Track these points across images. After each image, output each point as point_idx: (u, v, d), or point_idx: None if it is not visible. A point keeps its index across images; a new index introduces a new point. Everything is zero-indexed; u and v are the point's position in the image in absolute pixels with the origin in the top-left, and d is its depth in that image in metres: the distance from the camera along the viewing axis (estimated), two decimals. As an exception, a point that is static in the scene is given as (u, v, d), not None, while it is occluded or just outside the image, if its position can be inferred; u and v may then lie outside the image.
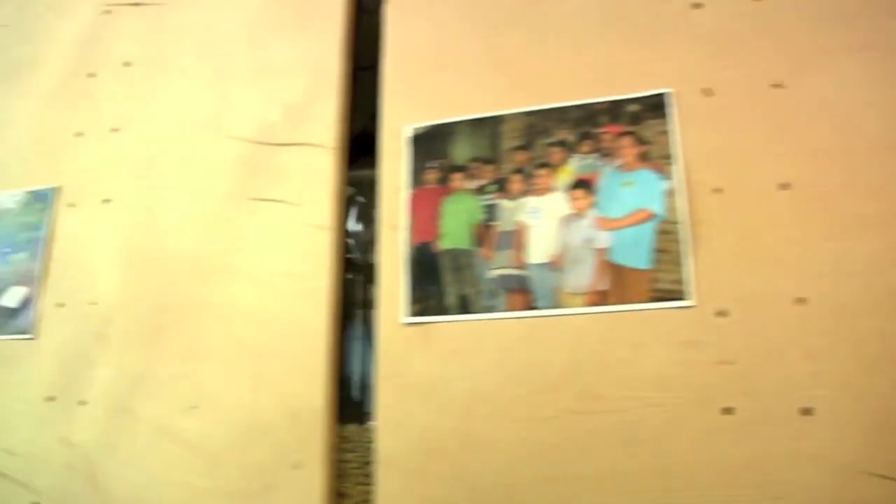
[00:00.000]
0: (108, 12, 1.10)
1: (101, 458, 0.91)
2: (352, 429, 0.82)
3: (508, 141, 0.86)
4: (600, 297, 0.77)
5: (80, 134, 1.06)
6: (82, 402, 0.93)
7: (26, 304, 1.00)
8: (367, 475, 0.81)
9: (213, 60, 1.00)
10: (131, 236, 0.97)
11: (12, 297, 1.00)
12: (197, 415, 0.86)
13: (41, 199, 1.04)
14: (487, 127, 0.87)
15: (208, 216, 0.92)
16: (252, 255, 0.88)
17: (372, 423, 0.81)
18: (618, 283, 0.76)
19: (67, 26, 1.12)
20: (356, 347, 0.91)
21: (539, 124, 0.85)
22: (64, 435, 0.93)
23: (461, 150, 0.86)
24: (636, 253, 0.76)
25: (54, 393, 0.95)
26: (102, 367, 0.94)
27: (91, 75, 1.08)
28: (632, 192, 0.80)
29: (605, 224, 0.79)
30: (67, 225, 1.02)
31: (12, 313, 1.00)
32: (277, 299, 0.85)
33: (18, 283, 1.01)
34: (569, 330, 0.75)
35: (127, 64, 1.06)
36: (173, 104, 1.00)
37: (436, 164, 0.87)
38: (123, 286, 0.95)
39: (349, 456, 0.81)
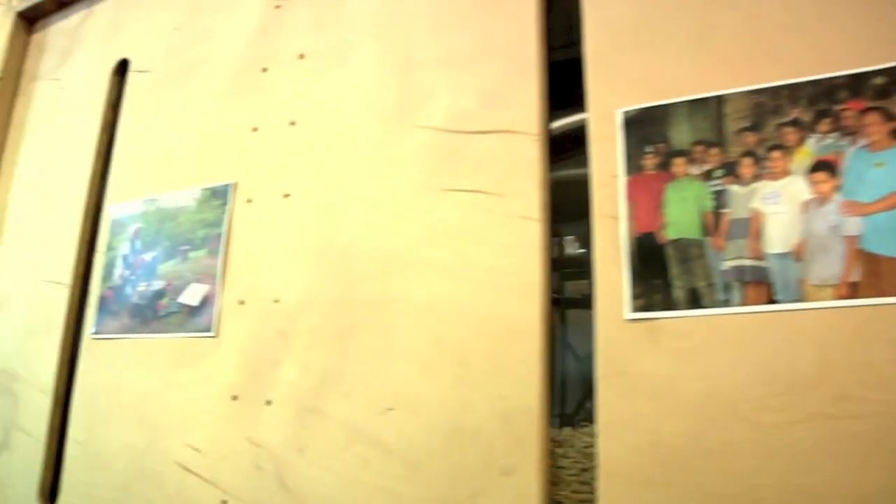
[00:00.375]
0: (279, 7, 1.26)
1: (289, 459, 1.04)
2: (567, 432, 0.91)
3: (734, 122, 0.93)
4: (851, 290, 0.83)
5: (255, 129, 1.22)
6: (268, 402, 1.07)
7: (207, 301, 1.16)
8: (585, 482, 0.89)
9: (394, 47, 1.13)
10: (313, 231, 1.11)
11: (193, 295, 1.17)
12: (394, 417, 0.98)
13: (219, 196, 1.20)
14: (709, 108, 0.94)
15: (397, 209, 1.04)
16: (450, 248, 0.99)
17: (590, 426, 0.89)
18: (872, 274, 0.82)
19: (238, 23, 1.30)
20: (559, 345, 1.00)
21: (768, 103, 0.92)
22: (250, 434, 1.07)
23: (681, 134, 0.94)
24: (893, 240, 0.80)
25: (238, 392, 1.09)
26: (287, 366, 1.07)
27: (264, 70, 1.24)
28: (885, 173, 0.85)
29: (855, 209, 0.85)
30: (246, 221, 1.18)
31: (193, 311, 1.16)
32: (482, 295, 0.96)
33: (198, 280, 1.17)
34: (817, 325, 0.81)
35: (301, 56, 1.21)
36: (352, 95, 1.14)
37: (654, 148, 0.95)
38: (307, 282, 1.09)
39: (564, 461, 0.90)
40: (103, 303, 1.35)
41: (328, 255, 1.12)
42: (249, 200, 1.22)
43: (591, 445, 0.91)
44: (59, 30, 1.77)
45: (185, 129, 1.37)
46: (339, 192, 1.15)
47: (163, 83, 1.45)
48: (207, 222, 1.24)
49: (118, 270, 1.36)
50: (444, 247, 1.04)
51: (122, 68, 1.57)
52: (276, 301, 1.13)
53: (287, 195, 1.18)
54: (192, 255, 1.25)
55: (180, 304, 1.23)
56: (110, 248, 1.39)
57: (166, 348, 1.24)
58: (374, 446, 1.01)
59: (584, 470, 0.91)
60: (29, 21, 1.82)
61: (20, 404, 1.45)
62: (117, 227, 1.39)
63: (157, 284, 1.27)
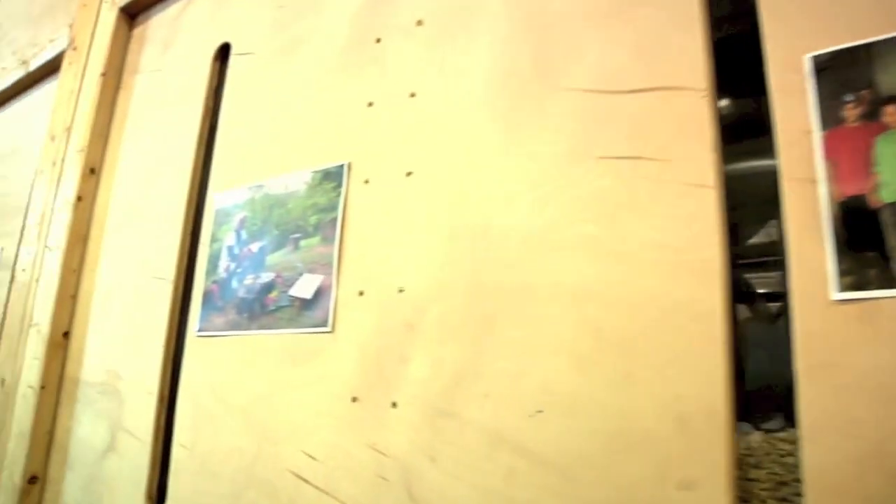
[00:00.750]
0: (392, -29, 1.18)
1: (418, 469, 0.95)
2: (758, 438, 0.77)
3: (963, 59, 0.78)
4: None
5: (371, 104, 1.15)
6: (393, 404, 0.98)
7: (321, 293, 1.08)
8: (785, 500, 0.75)
9: (526, 3, 1.03)
10: (441, 211, 1.02)
11: (305, 287, 1.10)
12: (543, 420, 0.88)
13: (332, 178, 1.13)
14: (928, 43, 0.80)
15: (542, 182, 0.95)
16: (606, 223, 0.89)
17: (788, 431, 0.75)
18: None
19: (346, -7, 1.23)
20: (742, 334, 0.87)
21: None
22: (372, 440, 0.99)
23: (891, 77, 0.80)
24: None
25: (359, 393, 1.02)
26: (415, 363, 0.99)
27: (378, 41, 1.17)
28: None
29: None
30: (363, 203, 1.10)
31: (306, 305, 1.09)
32: (648, 276, 0.85)
33: (311, 271, 1.10)
34: None
35: (419, 23, 1.13)
36: (480, 59, 1.06)
37: (855, 97, 0.82)
38: (436, 268, 1.00)
39: (757, 473, 0.76)
40: (207, 298, 1.31)
41: (459, 237, 1.03)
42: (367, 181, 1.15)
43: (790, 454, 0.78)
44: (160, 21, 1.77)
45: (292, 109, 1.31)
46: (469, 167, 1.06)
47: (267, 64, 1.41)
48: (320, 207, 1.18)
49: (223, 263, 1.31)
50: (598, 222, 0.93)
51: (223, 53, 1.54)
52: (401, 290, 1.05)
53: (409, 173, 1.10)
54: (303, 243, 1.18)
55: (291, 297, 1.16)
56: (214, 239, 1.35)
57: (277, 346, 1.18)
58: (520, 454, 0.91)
59: (783, 484, 0.78)
60: (131, 16, 1.84)
61: (125, 405, 1.43)
62: (222, 216, 1.35)
63: (266, 277, 1.21)
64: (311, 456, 1.11)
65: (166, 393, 1.41)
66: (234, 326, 1.27)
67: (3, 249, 2.03)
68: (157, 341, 1.43)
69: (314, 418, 1.12)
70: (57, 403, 1.64)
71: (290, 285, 1.20)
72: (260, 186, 1.33)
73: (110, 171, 1.76)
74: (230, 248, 1.34)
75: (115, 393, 1.49)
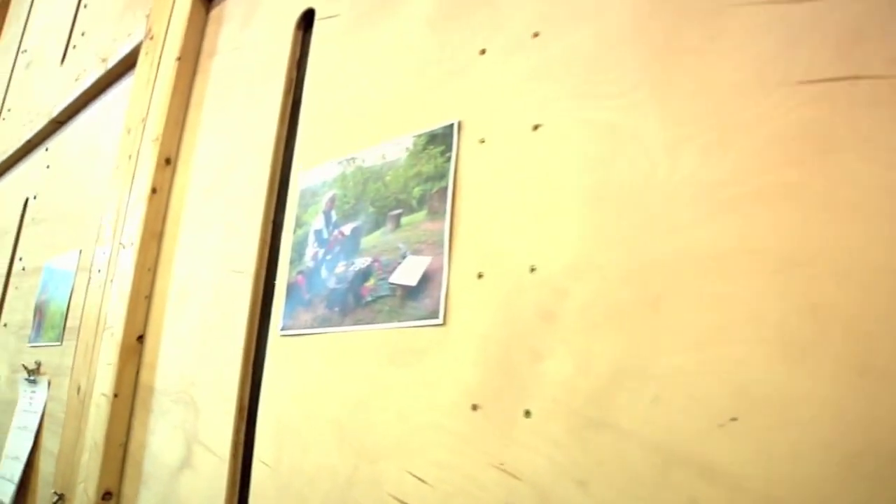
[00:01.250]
0: None
1: (563, 496, 0.75)
2: None
3: None
4: None
5: (483, 51, 0.94)
6: (526, 413, 0.77)
7: (429, 278, 0.88)
8: None
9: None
10: (580, 170, 0.81)
11: (409, 272, 0.89)
12: (738, 431, 0.66)
13: (438, 141, 0.94)
14: None
15: (719, 121, 0.75)
16: (816, 167, 0.68)
17: None
18: None
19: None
20: None
21: None
22: (498, 458, 0.80)
23: None
24: None
25: (480, 399, 0.81)
26: (555, 361, 0.78)
27: (489, -23, 0.96)
28: None
29: None
30: (480, 167, 0.90)
31: (410, 293, 0.89)
32: (880, 233, 0.59)
33: (416, 252, 0.90)
34: None
35: (540, -50, 0.92)
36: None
37: None
38: (577, 240, 0.80)
39: None
40: (293, 291, 1.12)
41: (605, 200, 0.81)
42: (482, 141, 0.94)
43: None
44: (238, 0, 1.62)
45: (387, 69, 1.13)
46: (613, 113, 0.83)
47: (356, 23, 1.23)
48: (425, 176, 0.98)
49: (310, 250, 1.12)
50: (803, 165, 0.69)
51: (306, 20, 1.37)
52: (533, 269, 0.84)
53: (537, 126, 0.89)
54: (405, 220, 0.98)
55: (392, 284, 0.96)
56: (300, 224, 1.17)
57: (375, 344, 0.98)
58: (707, 478, 0.68)
59: None
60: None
61: (201, 416, 1.26)
62: (308, 197, 1.17)
63: (361, 262, 1.02)
64: (419, 478, 0.90)
65: (246, 402, 1.23)
66: (324, 323, 1.08)
67: (81, 252, 1.92)
68: (236, 344, 1.26)
69: (423, 431, 0.91)
70: (131, 414, 1.50)
71: (391, 271, 1.00)
72: (351, 159, 1.14)
73: (186, 160, 1.62)
74: (318, 233, 1.16)
75: (190, 402, 1.33)
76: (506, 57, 0.98)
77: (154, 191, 1.59)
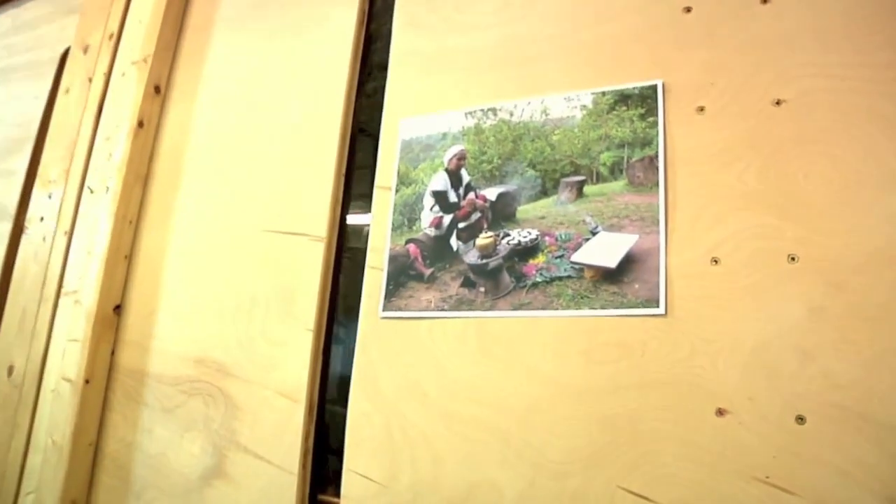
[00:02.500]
0: None
1: None
2: None
3: None
4: None
5: (688, 9, 0.81)
6: (798, 418, 0.69)
7: (636, 260, 0.74)
8: None
9: None
10: (837, 145, 0.70)
11: (605, 252, 0.76)
12: None
13: (634, 102, 0.85)
14: None
15: None
16: None
17: None
18: None
19: None
20: None
21: None
22: (759, 470, 0.66)
23: None
24: None
25: (729, 404, 0.69)
26: (829, 361, 0.66)
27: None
28: None
29: None
30: (699, 139, 0.80)
31: (608, 276, 0.75)
32: None
33: (613, 227, 0.75)
34: None
35: None
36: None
37: None
38: (848, 229, 0.70)
39: None
40: (400, 264, 0.92)
41: (881, 182, 0.71)
42: (701, 109, 0.81)
43: None
44: None
45: (547, 11, 0.94)
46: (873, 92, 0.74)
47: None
48: (618, 141, 0.83)
49: (427, 215, 0.92)
50: None
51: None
52: (793, 259, 0.71)
53: (779, 101, 0.77)
54: (591, 189, 0.83)
55: (577, 264, 0.80)
56: (405, 181, 0.96)
57: (554, 334, 0.82)
58: None
59: None
60: None
61: (241, 413, 1.01)
62: (416, 150, 0.98)
63: (521, 235, 0.84)
64: (641, 496, 0.75)
65: (316, 399, 0.99)
66: (461, 305, 0.89)
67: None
68: (298, 324, 1.01)
69: (641, 439, 0.76)
70: (106, 404, 1.17)
71: (572, 248, 0.84)
72: (490, 110, 0.95)
73: (186, 90, 1.30)
74: (439, 195, 0.95)
75: (218, 396, 1.06)
76: (721, 21, 0.85)
77: (140, 124, 1.26)
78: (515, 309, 0.86)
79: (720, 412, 0.74)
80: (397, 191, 0.99)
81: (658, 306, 0.78)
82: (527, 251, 0.87)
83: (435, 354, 0.90)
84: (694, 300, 0.78)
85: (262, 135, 1.18)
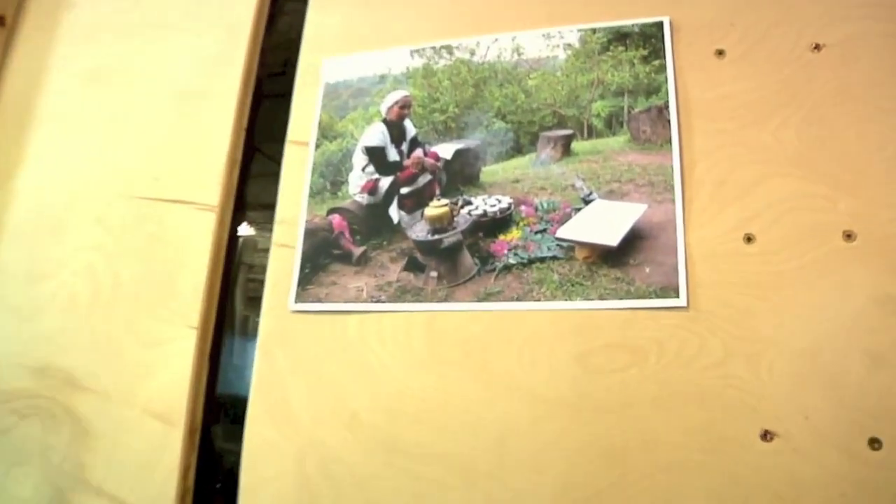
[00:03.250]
0: None
1: None
2: None
3: None
4: None
5: None
6: (872, 442, 0.49)
7: (645, 237, 0.55)
8: None
9: None
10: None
11: (602, 225, 0.58)
12: None
13: (634, 42, 0.69)
14: None
15: None
16: None
17: None
18: None
19: None
20: None
21: None
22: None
23: None
24: None
25: (778, 424, 0.50)
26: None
27: None
28: None
29: None
30: (719, 88, 0.63)
31: (607, 258, 0.56)
32: None
33: (611, 195, 0.57)
34: None
35: None
36: None
37: None
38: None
39: None
40: (320, 241, 0.68)
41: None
42: (720, 53, 0.64)
43: None
44: None
45: None
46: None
47: None
48: (615, 88, 0.66)
49: (357, 178, 0.70)
50: None
51: None
52: (849, 237, 0.55)
53: (818, 46, 0.61)
54: (581, 146, 0.63)
55: (564, 242, 0.61)
56: (328, 135, 0.73)
57: (533, 332, 0.60)
58: None
59: None
60: None
61: (93, 440, 0.73)
62: (343, 97, 0.75)
63: (488, 205, 0.63)
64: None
65: (199, 421, 0.72)
66: (407, 295, 0.66)
67: None
68: (179, 318, 0.75)
69: (665, 475, 0.56)
70: None
71: (556, 220, 0.63)
72: (445, 48, 0.74)
73: (41, 23, 1.00)
74: (377, 151, 0.72)
75: (62, 415, 0.76)
76: None
77: None
78: (481, 300, 0.63)
79: (767, 435, 0.55)
80: (318, 146, 0.75)
81: (677, 296, 0.59)
82: (495, 224, 0.66)
83: (368, 360, 0.66)
84: (724, 288, 0.59)
85: (139, 76, 0.90)
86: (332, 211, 0.72)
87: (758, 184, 0.61)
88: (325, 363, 0.68)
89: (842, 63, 0.63)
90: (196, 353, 0.73)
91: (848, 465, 0.53)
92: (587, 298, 0.61)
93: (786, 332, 0.57)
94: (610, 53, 0.68)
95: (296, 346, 0.69)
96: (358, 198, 0.72)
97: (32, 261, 0.86)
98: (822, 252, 0.58)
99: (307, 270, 0.70)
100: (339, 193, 0.72)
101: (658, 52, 0.67)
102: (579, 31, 0.70)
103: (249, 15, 0.86)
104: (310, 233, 0.72)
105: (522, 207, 0.66)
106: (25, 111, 0.94)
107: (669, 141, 0.63)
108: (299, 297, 0.70)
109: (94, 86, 0.92)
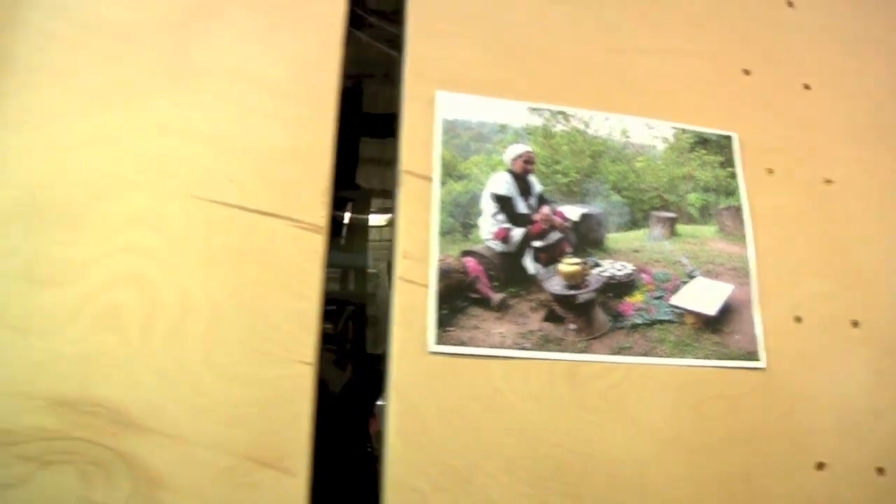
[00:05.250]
0: None
1: None
2: None
3: None
4: None
5: (747, 72, 0.89)
6: (878, 470, 0.79)
7: (732, 310, 0.78)
8: None
9: None
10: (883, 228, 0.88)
11: (704, 298, 0.78)
12: None
13: (712, 149, 0.88)
14: None
15: None
16: None
17: None
18: None
19: None
20: None
21: None
22: None
23: None
24: None
25: (826, 457, 0.77)
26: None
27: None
28: None
29: None
30: (771, 200, 0.88)
31: (708, 324, 0.77)
32: None
33: (710, 274, 0.78)
34: None
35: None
36: None
37: None
38: None
39: None
40: (453, 282, 0.71)
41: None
42: (770, 171, 0.85)
43: None
44: None
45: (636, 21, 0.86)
46: None
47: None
48: (702, 184, 0.82)
49: (488, 224, 0.74)
50: None
51: None
52: (856, 325, 0.81)
53: (829, 181, 0.87)
54: (684, 229, 0.79)
55: (677, 308, 0.75)
56: (454, 175, 0.75)
57: (658, 383, 0.73)
58: None
59: None
60: None
61: (167, 493, 0.63)
62: (464, 137, 0.77)
63: (615, 268, 0.75)
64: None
65: (309, 465, 0.67)
66: (549, 344, 0.72)
67: None
68: (282, 353, 0.67)
69: (757, 496, 0.73)
70: None
71: (670, 289, 0.76)
72: (561, 114, 0.80)
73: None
74: (505, 201, 0.75)
75: (115, 462, 0.61)
76: (776, 88, 0.90)
77: None
78: (615, 353, 0.72)
79: (820, 466, 0.75)
80: (443, 184, 0.74)
81: (759, 360, 0.76)
82: (621, 287, 0.75)
83: (513, 404, 0.69)
84: (787, 355, 0.78)
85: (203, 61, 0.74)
86: (466, 253, 0.72)
87: (801, 278, 0.82)
88: (472, 408, 0.68)
89: (847, 200, 0.87)
90: (313, 392, 0.66)
91: (866, 487, 0.75)
92: (696, 357, 0.74)
93: (828, 391, 0.78)
94: (696, 154, 0.82)
95: (437, 389, 0.68)
96: (491, 244, 0.73)
97: (34, 260, 0.65)
98: (839, 335, 0.80)
99: (445, 311, 0.70)
100: (471, 237, 0.73)
101: (730, 161, 0.83)
102: (672, 128, 0.82)
103: (340, 15, 0.78)
104: (444, 273, 0.71)
105: (643, 275, 0.76)
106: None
107: (744, 237, 0.80)
108: (441, 339, 0.69)
109: (131, 47, 0.73)
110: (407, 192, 0.74)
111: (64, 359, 0.63)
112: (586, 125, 0.80)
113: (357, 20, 0.81)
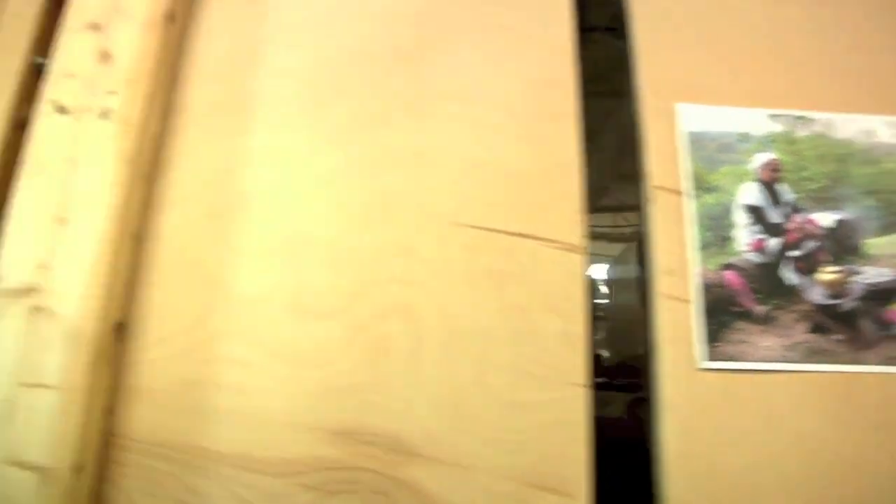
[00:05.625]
0: None
1: None
2: None
3: None
4: None
5: None
6: None
7: None
8: None
9: None
10: None
11: None
12: None
13: None
14: None
15: None
16: None
17: None
18: None
19: None
20: None
21: None
22: None
23: None
24: None
25: None
26: None
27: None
28: None
29: None
30: None
31: None
32: None
33: None
34: None
35: None
36: None
37: None
38: None
39: None
40: (714, 297, 0.70)
41: None
42: None
43: None
44: None
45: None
46: None
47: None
48: None
49: (744, 235, 0.72)
50: None
51: None
52: None
53: None
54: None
55: (945, 316, 0.71)
56: (705, 187, 0.73)
57: None
58: None
59: None
60: None
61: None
62: (710, 149, 0.76)
63: (874, 275, 0.71)
64: None
65: (589, 488, 0.67)
66: (816, 356, 0.69)
67: None
68: (551, 375, 0.67)
69: None
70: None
71: (935, 296, 0.72)
72: (800, 118, 0.77)
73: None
74: (757, 211, 0.73)
75: (397, 492, 0.63)
76: None
77: (172, 18, 0.70)
78: (885, 364, 0.69)
79: None
80: (697, 198, 0.73)
81: None
82: (885, 293, 0.72)
83: (789, 419, 0.68)
84: None
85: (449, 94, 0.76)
86: (725, 267, 0.71)
87: None
88: (748, 424, 0.67)
89: None
90: (588, 413, 0.66)
91: None
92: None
93: None
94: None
95: (711, 406, 0.67)
96: (748, 255, 0.72)
97: (299, 293, 0.68)
98: None
99: (714, 326, 0.69)
100: (727, 250, 0.72)
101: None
102: (913, 124, 0.79)
103: (568, 33, 0.78)
104: (706, 288, 0.70)
105: (904, 282, 0.73)
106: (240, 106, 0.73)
107: None
108: (711, 355, 0.68)
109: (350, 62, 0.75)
110: (661, 208, 0.73)
111: (339, 390, 0.66)
112: (828, 128, 0.78)
113: (581, 37, 0.81)
